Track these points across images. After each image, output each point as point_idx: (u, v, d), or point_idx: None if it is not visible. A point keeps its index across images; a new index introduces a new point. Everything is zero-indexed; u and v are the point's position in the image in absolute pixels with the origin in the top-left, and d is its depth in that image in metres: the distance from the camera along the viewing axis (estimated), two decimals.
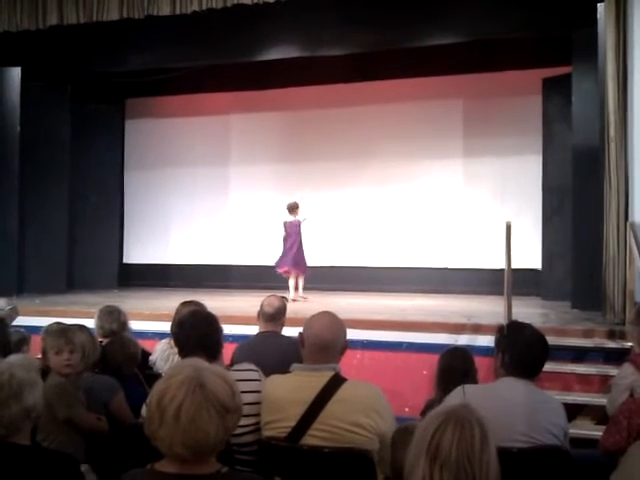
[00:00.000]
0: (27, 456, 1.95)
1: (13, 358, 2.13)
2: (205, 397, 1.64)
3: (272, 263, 8.00)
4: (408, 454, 1.58)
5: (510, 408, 2.37)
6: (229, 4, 6.61)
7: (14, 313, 4.94)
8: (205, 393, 1.65)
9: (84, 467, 2.14)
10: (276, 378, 2.57)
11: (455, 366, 3.20)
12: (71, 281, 8.95)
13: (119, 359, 3.40)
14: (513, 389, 2.46)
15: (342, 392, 2.41)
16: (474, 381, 3.13)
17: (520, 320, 3.07)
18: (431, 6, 6.84)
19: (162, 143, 10.06)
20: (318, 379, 2.44)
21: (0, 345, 3.14)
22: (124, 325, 3.99)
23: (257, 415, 2.54)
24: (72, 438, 2.68)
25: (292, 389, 2.46)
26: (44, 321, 4.31)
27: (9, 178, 8.05)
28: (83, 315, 4.86)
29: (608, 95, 5.59)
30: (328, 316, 2.59)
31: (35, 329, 4.42)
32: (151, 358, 3.81)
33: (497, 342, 2.61)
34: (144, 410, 2.71)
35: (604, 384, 4.47)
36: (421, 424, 1.59)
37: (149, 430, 1.67)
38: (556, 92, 7.59)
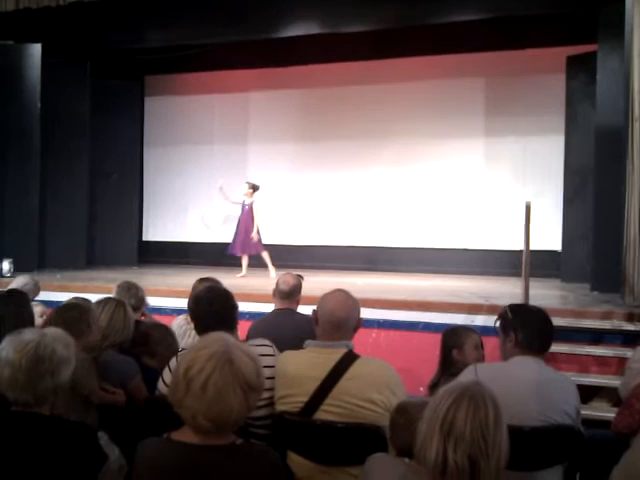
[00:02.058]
0: (47, 426, 1.99)
1: (53, 332, 2.13)
2: (233, 374, 1.66)
3: (290, 242, 8.01)
4: (419, 430, 1.58)
5: (522, 387, 2.37)
6: None
7: (36, 289, 5.01)
8: (233, 370, 1.66)
9: (102, 436, 2.16)
10: (290, 354, 2.59)
11: (447, 344, 3.21)
12: (91, 257, 9.06)
13: (159, 347, 3.28)
14: (526, 368, 2.46)
15: (355, 369, 2.42)
16: (464, 356, 3.11)
17: (534, 302, 3.06)
18: None
19: (181, 120, 10.07)
20: (331, 356, 2.46)
21: (26, 320, 3.17)
22: (142, 301, 4.02)
23: (271, 390, 2.56)
24: (82, 409, 2.65)
25: (306, 365, 2.48)
26: (64, 296, 4.39)
27: (30, 154, 8.12)
28: (102, 290, 4.93)
29: (633, 74, 5.47)
30: (342, 294, 2.60)
31: (55, 304, 4.49)
32: None
33: (505, 324, 2.61)
34: (160, 384, 2.76)
35: (621, 366, 4.44)
36: (433, 401, 1.59)
37: (174, 398, 1.68)
38: (581, 71, 7.43)
